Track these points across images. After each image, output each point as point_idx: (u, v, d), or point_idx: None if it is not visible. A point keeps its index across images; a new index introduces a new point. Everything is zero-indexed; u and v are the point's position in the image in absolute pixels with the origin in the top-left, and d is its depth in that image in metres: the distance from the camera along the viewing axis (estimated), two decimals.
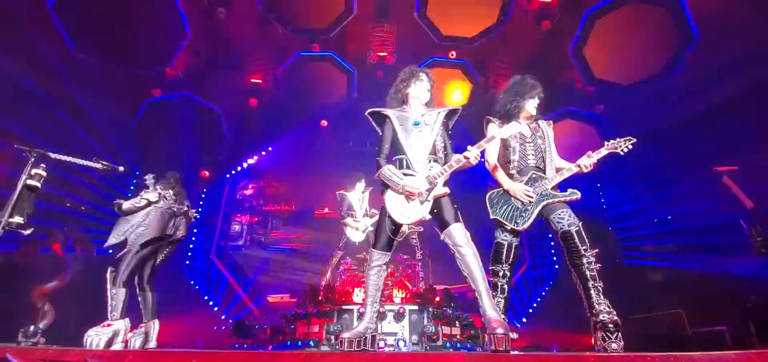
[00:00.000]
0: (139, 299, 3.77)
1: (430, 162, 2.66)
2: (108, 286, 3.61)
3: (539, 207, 2.75)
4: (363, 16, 6.90)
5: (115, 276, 3.62)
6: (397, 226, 2.67)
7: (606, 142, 2.81)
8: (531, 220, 2.76)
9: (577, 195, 2.74)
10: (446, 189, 2.59)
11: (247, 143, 9.15)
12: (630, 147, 2.78)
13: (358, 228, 6.32)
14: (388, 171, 2.67)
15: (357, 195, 6.54)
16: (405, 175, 2.64)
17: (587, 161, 2.76)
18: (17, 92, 5.30)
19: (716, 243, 5.56)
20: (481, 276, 2.39)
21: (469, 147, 2.54)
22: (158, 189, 4.08)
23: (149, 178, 4.21)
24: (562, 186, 2.86)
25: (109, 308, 3.53)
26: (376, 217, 6.04)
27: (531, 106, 3.03)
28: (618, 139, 2.80)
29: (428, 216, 2.62)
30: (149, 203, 3.95)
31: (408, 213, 2.58)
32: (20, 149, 2.68)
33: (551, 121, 3.14)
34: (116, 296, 3.56)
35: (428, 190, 2.55)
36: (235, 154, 9.13)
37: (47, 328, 4.73)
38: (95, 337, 3.27)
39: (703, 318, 4.81)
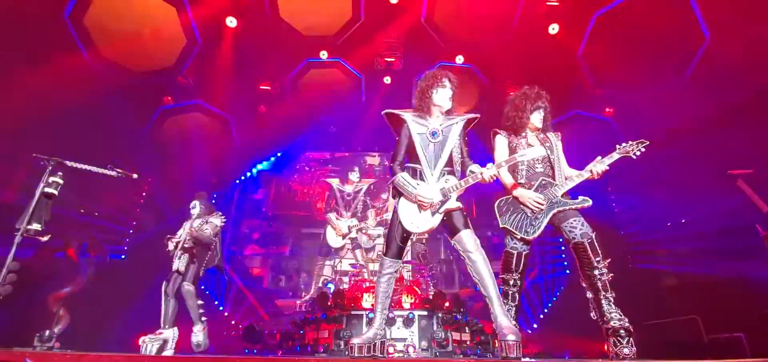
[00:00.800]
0: (164, 305, 4.03)
1: (444, 174, 2.64)
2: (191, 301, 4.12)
3: (549, 215, 2.72)
4: (370, 23, 6.95)
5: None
6: (406, 235, 2.67)
7: (618, 146, 2.75)
8: (541, 229, 2.73)
9: (588, 202, 2.69)
10: (459, 204, 2.57)
11: (257, 149, 9.25)
12: (642, 150, 2.72)
13: (337, 230, 5.85)
14: (402, 179, 2.66)
15: (349, 189, 6.10)
16: (419, 184, 2.63)
17: (599, 167, 2.70)
18: (36, 102, 5.44)
19: (732, 247, 5.44)
20: (491, 282, 2.38)
21: (489, 165, 2.53)
22: (216, 212, 4.64)
23: (199, 205, 4.63)
24: (573, 192, 2.82)
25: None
26: (365, 223, 5.92)
27: (536, 118, 3.02)
28: (630, 143, 2.74)
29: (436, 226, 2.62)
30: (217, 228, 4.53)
31: (418, 222, 2.58)
32: (38, 157, 2.75)
33: (559, 133, 3.12)
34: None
35: (441, 202, 2.55)
36: (245, 159, 9.23)
37: (62, 332, 4.83)
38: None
39: (719, 325, 4.70)
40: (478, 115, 2.87)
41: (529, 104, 3.01)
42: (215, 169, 8.58)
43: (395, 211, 2.70)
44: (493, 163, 2.62)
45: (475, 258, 2.44)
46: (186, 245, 4.17)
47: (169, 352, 3.80)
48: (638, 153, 2.72)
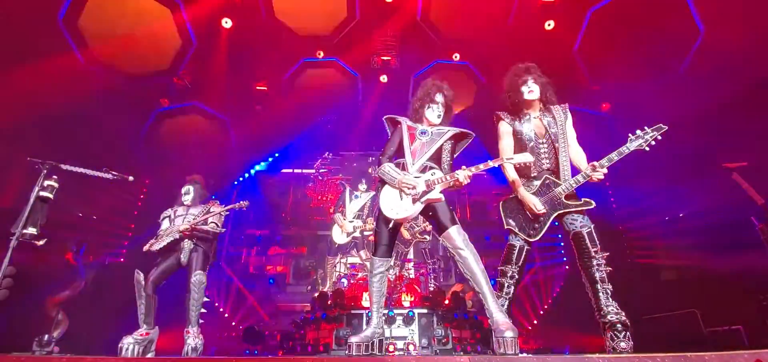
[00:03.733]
0: (148, 303, 3.58)
1: (427, 168, 2.69)
2: (198, 295, 3.69)
3: (551, 219, 2.71)
4: (366, 21, 6.94)
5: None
6: (392, 230, 2.68)
7: (630, 135, 2.57)
8: (543, 232, 2.73)
9: (591, 204, 2.63)
10: (442, 197, 2.60)
11: (254, 150, 9.24)
12: (659, 138, 2.51)
13: (342, 228, 6.34)
14: (388, 167, 2.73)
15: (356, 193, 6.55)
16: (405, 173, 2.69)
17: (598, 174, 2.58)
18: (30, 105, 5.43)
19: (730, 240, 5.45)
20: (483, 278, 2.38)
21: (463, 167, 2.54)
22: (214, 199, 4.22)
23: (193, 191, 4.23)
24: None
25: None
26: (368, 223, 6.18)
27: (526, 91, 2.89)
28: (645, 130, 2.53)
29: (417, 215, 2.63)
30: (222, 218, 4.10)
31: (398, 209, 2.61)
32: (33, 161, 2.75)
33: (566, 105, 2.97)
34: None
35: (424, 192, 2.57)
36: (243, 160, 9.22)
37: (61, 337, 4.81)
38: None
39: (718, 317, 4.72)
40: (473, 135, 2.92)
41: (518, 80, 2.93)
42: (213, 171, 8.57)
43: (378, 204, 2.74)
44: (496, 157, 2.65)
45: (465, 254, 2.44)
46: (185, 231, 3.71)
47: (151, 355, 3.50)
48: (653, 142, 2.51)
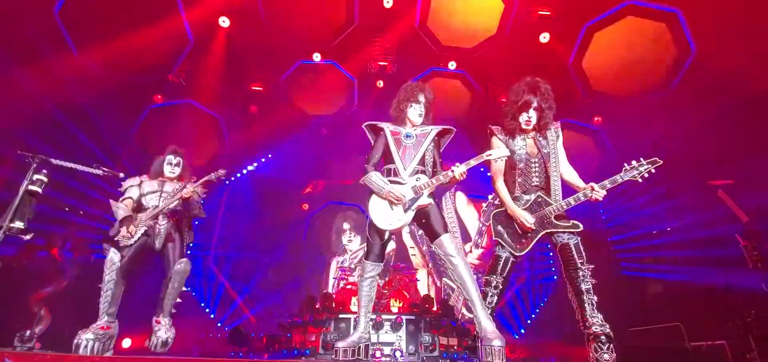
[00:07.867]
0: (116, 291, 3.39)
1: (417, 173, 2.69)
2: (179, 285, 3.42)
3: (538, 236, 2.74)
4: (364, 27, 6.97)
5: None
6: (381, 233, 2.68)
7: (625, 165, 2.60)
8: (529, 247, 2.76)
9: (579, 227, 2.65)
10: (430, 201, 2.62)
11: (247, 150, 9.19)
12: (653, 171, 2.54)
13: None
14: (375, 176, 2.72)
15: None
16: (391, 182, 2.68)
17: (598, 194, 2.60)
18: (21, 97, 5.35)
19: (716, 255, 5.54)
20: (473, 287, 2.40)
21: (456, 163, 2.55)
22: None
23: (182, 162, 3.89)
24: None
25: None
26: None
27: (523, 119, 2.86)
28: (641, 162, 2.55)
29: (408, 224, 2.63)
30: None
31: (390, 219, 2.61)
32: (23, 154, 2.72)
33: (559, 124, 2.95)
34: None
35: (412, 199, 2.58)
36: (235, 160, 9.16)
37: (43, 333, 4.72)
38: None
39: (702, 332, 4.78)
40: (454, 129, 2.96)
41: (519, 102, 2.84)
42: (205, 170, 8.50)
43: (370, 217, 2.73)
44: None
45: (457, 262, 2.46)
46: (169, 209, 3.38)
47: (109, 354, 3.18)
48: (646, 175, 2.54)
